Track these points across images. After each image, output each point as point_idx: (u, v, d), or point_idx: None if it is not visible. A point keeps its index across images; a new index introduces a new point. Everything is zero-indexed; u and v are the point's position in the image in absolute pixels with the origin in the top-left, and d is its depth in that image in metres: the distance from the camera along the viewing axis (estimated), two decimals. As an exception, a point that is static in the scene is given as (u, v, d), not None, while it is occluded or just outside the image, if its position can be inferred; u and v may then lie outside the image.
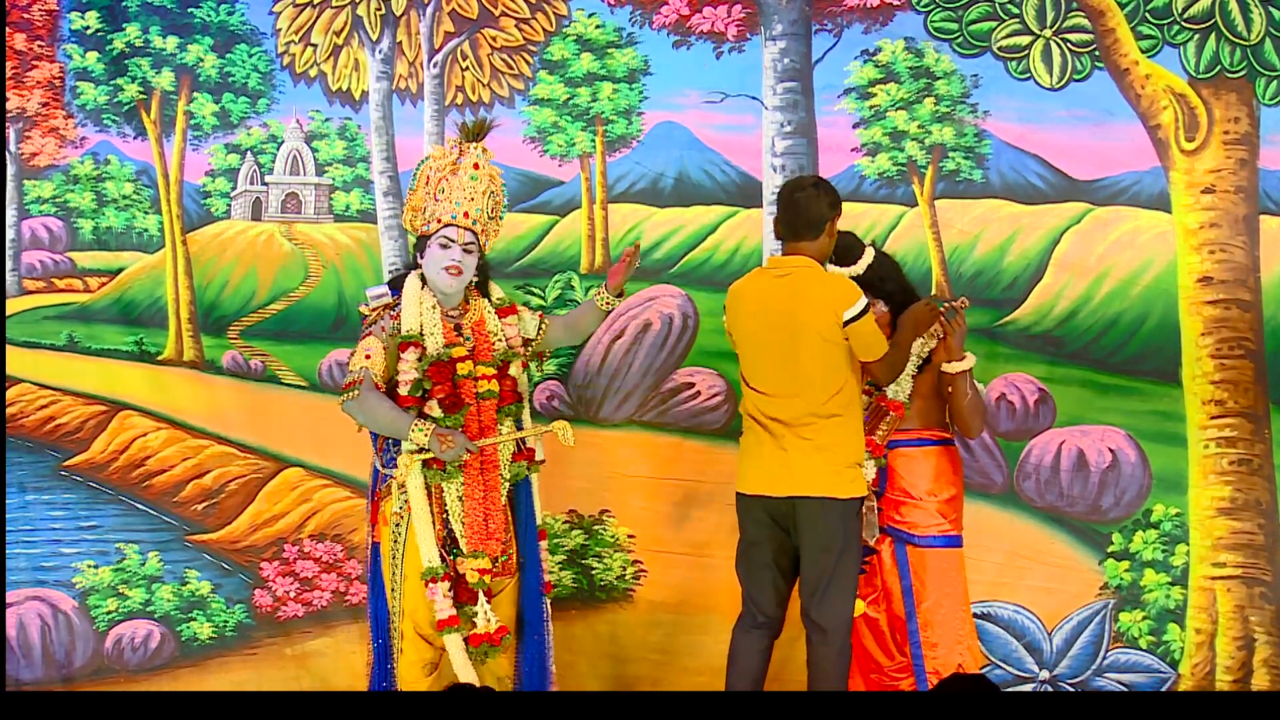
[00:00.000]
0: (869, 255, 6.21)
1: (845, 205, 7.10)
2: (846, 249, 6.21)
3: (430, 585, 5.87)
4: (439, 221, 5.99)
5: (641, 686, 7.00)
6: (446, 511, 5.90)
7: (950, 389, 6.09)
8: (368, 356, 5.91)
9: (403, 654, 5.98)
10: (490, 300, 6.18)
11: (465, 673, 5.84)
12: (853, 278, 6.11)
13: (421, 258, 6.04)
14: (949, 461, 6.18)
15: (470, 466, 5.91)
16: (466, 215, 5.99)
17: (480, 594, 5.87)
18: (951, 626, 6.06)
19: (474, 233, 6.01)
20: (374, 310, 6.05)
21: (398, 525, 5.91)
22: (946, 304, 6.07)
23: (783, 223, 6.04)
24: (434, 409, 5.89)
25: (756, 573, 6.05)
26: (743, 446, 6.09)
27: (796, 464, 5.90)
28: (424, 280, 6.03)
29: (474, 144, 6.05)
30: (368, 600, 6.08)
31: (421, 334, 5.94)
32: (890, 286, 6.19)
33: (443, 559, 5.90)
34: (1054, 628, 6.92)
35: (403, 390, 5.91)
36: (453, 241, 5.97)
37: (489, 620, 5.85)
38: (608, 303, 6.20)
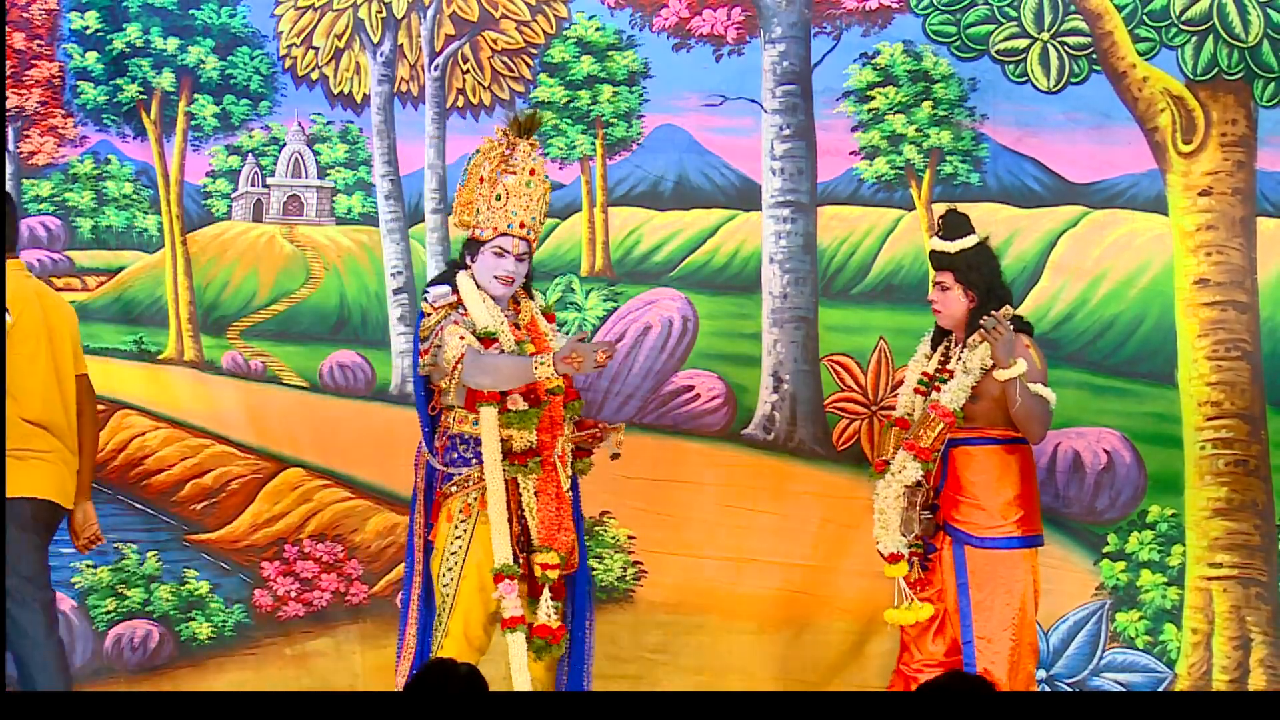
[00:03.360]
0: (971, 240, 6.04)
1: (844, 208, 7.22)
2: (956, 225, 6.07)
3: (507, 582, 5.75)
4: (495, 230, 5.86)
5: (641, 686, 7.00)
6: (523, 507, 5.86)
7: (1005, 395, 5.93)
8: (462, 338, 5.79)
9: (441, 650, 5.93)
10: (535, 303, 6.14)
11: (521, 677, 5.74)
12: (942, 252, 6.03)
13: (471, 260, 5.92)
14: (1016, 460, 6.01)
15: (547, 461, 5.86)
16: (523, 225, 5.85)
17: (546, 589, 5.79)
18: (1000, 629, 5.91)
19: (528, 241, 5.93)
20: (439, 308, 5.94)
21: (464, 521, 5.85)
22: (985, 319, 5.90)
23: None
24: (518, 403, 5.81)
25: None
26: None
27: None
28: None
29: (525, 139, 5.86)
30: (405, 599, 5.94)
31: (494, 332, 5.88)
32: (975, 278, 6.01)
33: (516, 556, 5.87)
34: (1051, 628, 6.93)
35: None
36: (507, 252, 5.86)
37: (550, 615, 5.76)
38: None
